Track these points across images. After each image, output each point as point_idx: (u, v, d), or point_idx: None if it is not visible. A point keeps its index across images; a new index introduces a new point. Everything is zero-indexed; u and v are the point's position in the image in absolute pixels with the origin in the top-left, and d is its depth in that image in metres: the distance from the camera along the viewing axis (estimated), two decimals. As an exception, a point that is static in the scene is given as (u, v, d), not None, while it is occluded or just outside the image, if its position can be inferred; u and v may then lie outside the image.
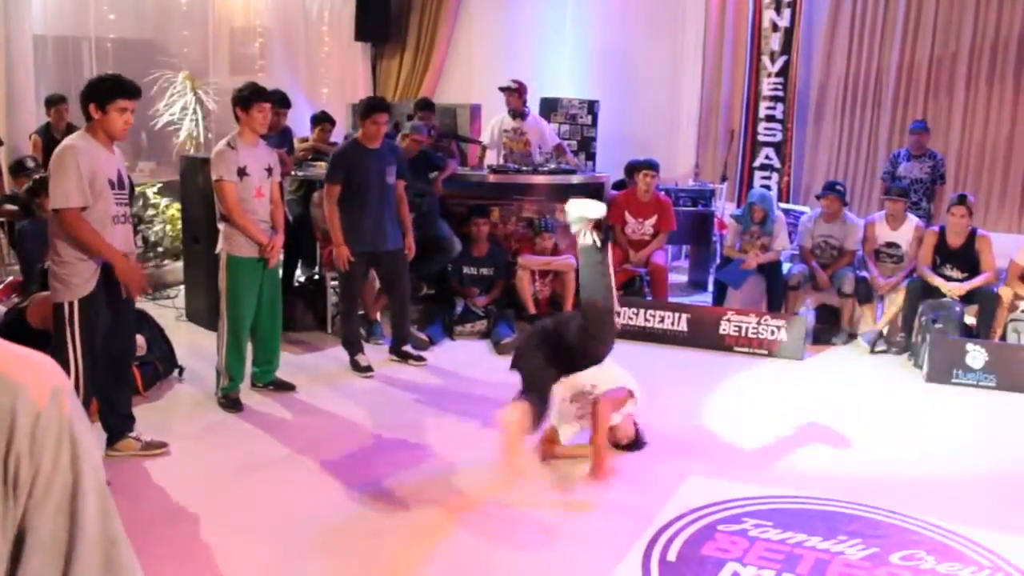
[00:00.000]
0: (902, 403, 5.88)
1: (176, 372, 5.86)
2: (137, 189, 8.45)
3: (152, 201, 8.61)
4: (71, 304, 4.21)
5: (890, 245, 7.11)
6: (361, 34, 10.93)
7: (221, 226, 5.26)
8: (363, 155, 5.94)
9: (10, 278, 6.75)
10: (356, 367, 6.05)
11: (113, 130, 4.24)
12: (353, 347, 6.13)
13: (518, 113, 8.03)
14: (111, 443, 4.62)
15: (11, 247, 6.89)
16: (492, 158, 8.26)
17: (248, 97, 5.17)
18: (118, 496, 4.08)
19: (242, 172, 5.14)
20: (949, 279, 6.71)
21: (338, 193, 5.92)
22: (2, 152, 7.40)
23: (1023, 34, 8.69)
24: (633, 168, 7.91)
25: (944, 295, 6.64)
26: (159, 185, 8.90)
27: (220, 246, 5.28)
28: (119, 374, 4.62)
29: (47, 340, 4.41)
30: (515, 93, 7.97)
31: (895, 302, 6.91)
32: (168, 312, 7.22)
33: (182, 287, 7.46)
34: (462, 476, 4.55)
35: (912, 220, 7.16)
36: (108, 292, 4.32)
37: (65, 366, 4.21)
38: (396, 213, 6.13)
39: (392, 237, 6.07)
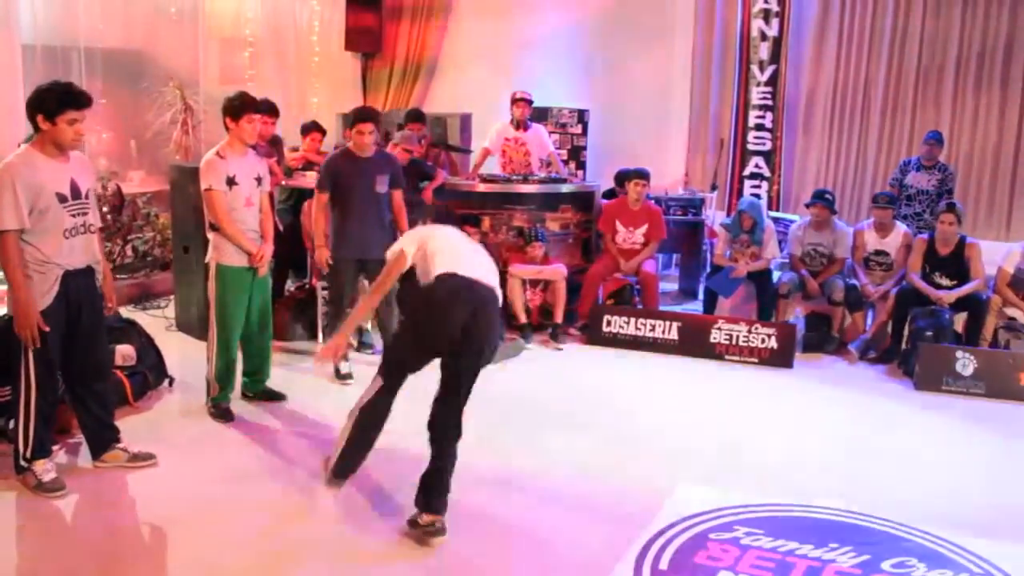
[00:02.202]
0: (892, 411, 5.90)
1: (166, 382, 5.84)
2: (126, 198, 8.45)
3: (142, 211, 8.58)
4: None
5: (879, 253, 7.14)
6: (351, 44, 10.94)
7: (210, 235, 5.25)
8: (352, 163, 5.97)
9: (4, 287, 6.71)
10: (336, 374, 6.05)
11: (63, 142, 4.12)
12: None
13: (522, 124, 8.04)
14: (97, 454, 4.60)
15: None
16: (493, 164, 8.26)
17: (238, 107, 5.16)
18: (106, 507, 4.07)
19: (231, 181, 5.13)
20: (938, 287, 6.74)
21: (326, 200, 6.00)
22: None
23: (1008, 44, 8.74)
24: (623, 177, 7.92)
25: (933, 303, 6.67)
26: (149, 195, 8.89)
27: (209, 255, 5.27)
28: (96, 386, 4.56)
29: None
30: (528, 105, 8.00)
31: (884, 310, 6.93)
32: (158, 322, 7.20)
33: (172, 297, 7.44)
34: (453, 484, 4.53)
35: (900, 228, 7.19)
36: (69, 305, 4.23)
37: (19, 379, 4.19)
38: (388, 222, 6.13)
39: (381, 245, 6.02)
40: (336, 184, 5.96)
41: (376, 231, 6.02)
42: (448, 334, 3.85)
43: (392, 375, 4.12)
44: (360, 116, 6.03)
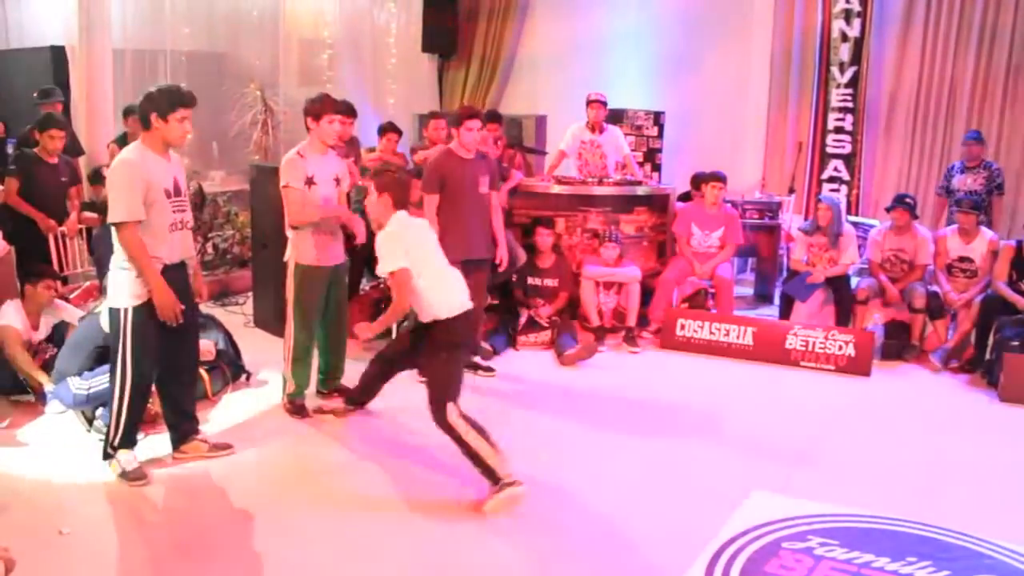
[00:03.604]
0: (974, 423, 5.73)
1: (244, 377, 5.97)
2: (208, 197, 8.66)
3: (223, 209, 8.78)
4: (126, 310, 4.29)
5: (963, 259, 6.95)
6: (427, 46, 11.05)
7: (290, 234, 5.34)
8: (457, 164, 5.94)
9: (88, 283, 6.94)
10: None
11: (174, 139, 4.34)
12: None
13: (597, 126, 8.01)
14: (177, 445, 4.73)
15: (89, 253, 7.10)
16: (569, 166, 8.26)
17: (319, 108, 5.24)
18: (185, 497, 4.17)
19: (310, 181, 5.21)
20: (1026, 295, 6.53)
21: (437, 202, 5.90)
22: (83, 161, 7.63)
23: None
24: (700, 180, 7.85)
25: (1021, 311, 6.45)
26: (229, 193, 9.09)
27: (288, 254, 5.36)
28: (184, 378, 4.72)
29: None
30: (603, 107, 7.96)
31: (968, 318, 6.74)
32: (237, 318, 7.36)
33: (250, 294, 7.59)
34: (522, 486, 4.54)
35: (986, 234, 6.98)
36: None
37: (115, 371, 4.34)
38: (487, 223, 6.13)
39: (480, 247, 6.07)
40: (442, 185, 5.92)
41: (479, 232, 6.03)
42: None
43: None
44: (469, 112, 5.96)
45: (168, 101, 4.27)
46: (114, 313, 4.32)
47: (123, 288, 4.28)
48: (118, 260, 4.28)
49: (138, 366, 4.34)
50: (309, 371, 5.52)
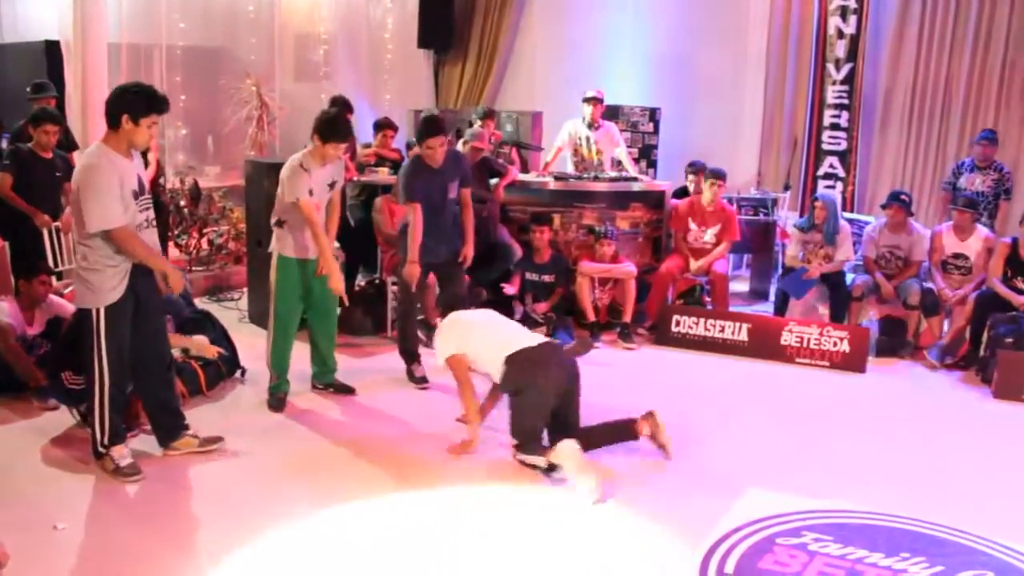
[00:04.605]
0: (969, 419, 5.74)
1: (238, 372, 5.96)
2: (203, 192, 8.65)
3: (218, 204, 8.77)
4: (98, 311, 4.27)
5: (957, 256, 6.96)
6: (424, 41, 11.03)
7: (275, 229, 5.36)
8: (427, 173, 5.79)
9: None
10: (411, 377, 6.03)
11: (140, 143, 4.33)
12: (409, 357, 6.12)
13: (593, 122, 7.99)
14: (165, 442, 4.71)
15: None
16: (565, 162, 8.25)
17: (327, 133, 5.18)
18: (178, 492, 4.16)
19: (309, 193, 5.21)
20: (1020, 292, 6.54)
21: (420, 209, 5.72)
22: (77, 156, 7.59)
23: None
24: (696, 168, 7.87)
25: (1015, 308, 6.47)
26: (224, 189, 9.08)
27: (272, 246, 5.37)
28: (160, 374, 4.67)
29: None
30: (599, 103, 7.94)
31: (963, 315, 6.75)
32: (232, 313, 7.35)
33: (245, 289, 7.58)
34: (518, 486, 4.54)
35: (981, 231, 6.99)
36: (136, 298, 4.37)
37: (92, 371, 4.33)
38: (458, 222, 6.04)
39: (448, 251, 5.99)
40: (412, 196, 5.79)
41: (447, 238, 5.95)
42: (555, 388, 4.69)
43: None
44: (428, 132, 5.69)
45: (145, 105, 4.22)
46: (85, 314, 4.30)
47: (92, 289, 4.26)
48: (84, 262, 4.26)
49: (115, 364, 4.33)
50: (287, 363, 5.49)
